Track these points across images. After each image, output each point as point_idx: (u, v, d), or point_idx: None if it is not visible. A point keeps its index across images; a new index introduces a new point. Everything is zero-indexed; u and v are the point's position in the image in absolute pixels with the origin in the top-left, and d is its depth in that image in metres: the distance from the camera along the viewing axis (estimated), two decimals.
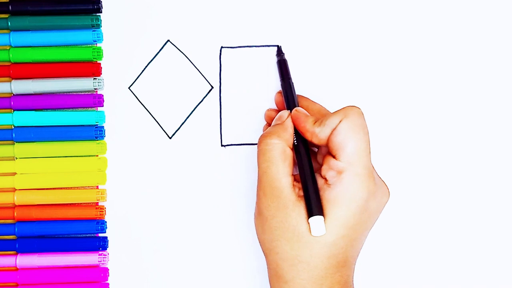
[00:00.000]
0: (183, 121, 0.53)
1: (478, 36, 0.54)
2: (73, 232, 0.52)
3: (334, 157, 0.46)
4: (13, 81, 0.51)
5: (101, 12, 0.52)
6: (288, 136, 0.48)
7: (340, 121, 0.46)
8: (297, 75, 0.53)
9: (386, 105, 0.53)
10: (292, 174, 0.47)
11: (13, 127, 0.52)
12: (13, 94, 0.51)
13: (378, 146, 0.53)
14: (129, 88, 0.53)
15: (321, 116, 0.48)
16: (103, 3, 0.52)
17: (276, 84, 0.53)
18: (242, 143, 0.53)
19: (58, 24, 0.51)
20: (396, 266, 0.53)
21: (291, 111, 0.49)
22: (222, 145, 0.53)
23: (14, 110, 0.51)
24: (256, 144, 0.53)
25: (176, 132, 0.53)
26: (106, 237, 0.52)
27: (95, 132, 0.52)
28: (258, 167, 0.47)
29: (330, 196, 0.45)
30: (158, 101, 0.53)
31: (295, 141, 0.48)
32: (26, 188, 0.51)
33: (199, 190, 0.53)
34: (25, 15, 0.51)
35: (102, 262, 0.52)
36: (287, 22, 0.53)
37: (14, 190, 0.52)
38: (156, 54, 0.53)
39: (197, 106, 0.53)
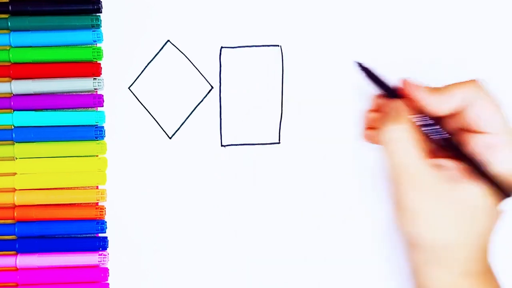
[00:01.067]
0: (183, 121, 0.53)
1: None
2: (73, 232, 0.52)
3: (475, 131, 0.45)
4: (13, 81, 0.51)
5: (101, 12, 0.52)
6: (409, 121, 0.46)
7: (473, 95, 0.45)
8: (297, 75, 0.53)
9: None
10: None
11: (13, 127, 0.52)
12: (13, 94, 0.51)
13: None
14: (129, 88, 0.53)
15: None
16: (103, 3, 0.52)
17: (276, 84, 0.53)
18: (242, 143, 0.53)
19: (58, 24, 0.51)
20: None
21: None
22: (222, 145, 0.53)
23: (14, 110, 0.51)
24: (255, 144, 0.53)
25: (176, 132, 0.53)
26: (106, 237, 0.52)
27: (95, 132, 0.52)
28: (390, 156, 0.45)
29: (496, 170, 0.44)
30: (158, 101, 0.53)
31: (422, 121, 0.46)
32: (26, 188, 0.51)
33: (199, 190, 0.53)
34: (25, 15, 0.51)
35: (102, 262, 0.52)
36: (287, 22, 0.53)
37: (14, 190, 0.52)
38: (156, 54, 0.53)
39: (197, 106, 0.53)
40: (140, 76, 0.53)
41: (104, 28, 0.52)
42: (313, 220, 0.53)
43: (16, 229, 0.51)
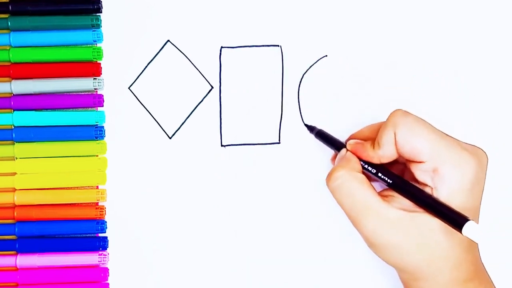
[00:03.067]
0: (183, 121, 0.53)
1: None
2: (73, 232, 0.52)
3: (414, 161, 0.45)
4: (13, 81, 0.51)
5: (101, 12, 0.52)
6: (353, 164, 0.47)
7: (394, 134, 0.45)
8: (297, 75, 0.53)
9: (387, 105, 0.53)
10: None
11: (13, 127, 0.52)
12: (13, 94, 0.51)
13: None
14: (129, 88, 0.53)
15: (375, 135, 0.47)
16: (103, 3, 0.52)
17: (276, 84, 0.53)
18: (242, 143, 0.53)
19: (58, 24, 0.51)
20: None
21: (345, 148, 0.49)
22: (222, 145, 0.53)
23: (14, 110, 0.51)
24: (255, 144, 0.53)
25: (176, 132, 0.53)
26: (106, 237, 0.52)
27: (95, 132, 0.52)
28: (342, 206, 0.46)
29: (442, 196, 0.44)
30: (158, 101, 0.53)
31: (368, 168, 0.47)
32: (26, 188, 0.51)
33: (199, 190, 0.53)
34: (25, 15, 0.51)
35: (102, 262, 0.52)
36: (287, 22, 0.53)
37: (14, 190, 0.52)
38: (156, 54, 0.53)
39: (197, 106, 0.53)
40: (140, 76, 0.53)
41: (104, 28, 0.52)
42: (313, 220, 0.53)
43: (16, 229, 0.51)
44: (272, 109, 0.53)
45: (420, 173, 0.46)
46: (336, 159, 0.49)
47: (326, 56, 0.53)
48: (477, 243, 0.47)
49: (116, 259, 0.52)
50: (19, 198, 0.51)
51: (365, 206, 0.45)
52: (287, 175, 0.53)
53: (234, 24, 0.53)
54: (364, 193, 0.46)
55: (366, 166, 0.47)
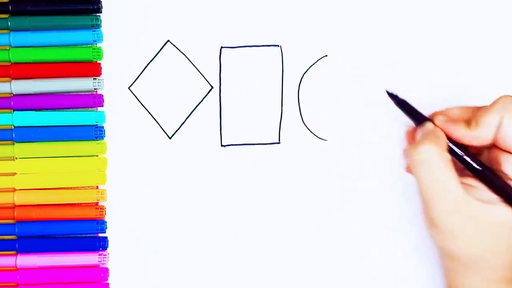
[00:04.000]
0: (183, 121, 0.53)
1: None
2: (73, 232, 0.52)
3: (509, 152, 0.44)
4: (13, 81, 0.51)
5: (101, 12, 0.52)
6: (442, 141, 0.45)
7: (502, 117, 0.44)
8: (297, 75, 0.53)
9: (387, 105, 0.53)
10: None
11: (13, 127, 0.52)
12: (13, 94, 0.51)
13: (386, 144, 0.53)
14: (129, 88, 0.53)
15: (466, 115, 0.46)
16: (103, 3, 0.52)
17: (276, 84, 0.53)
18: (242, 143, 0.53)
19: (58, 24, 0.51)
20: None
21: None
22: (222, 145, 0.53)
23: (14, 110, 0.51)
24: (255, 144, 0.53)
25: (176, 132, 0.53)
26: (106, 237, 0.52)
27: (95, 132, 0.52)
28: (419, 180, 0.44)
29: None
30: (158, 101, 0.53)
31: (455, 149, 0.45)
32: (26, 188, 0.51)
33: (199, 190, 0.53)
34: (25, 15, 0.51)
35: (102, 262, 0.52)
36: (287, 22, 0.53)
37: (14, 190, 0.52)
38: (156, 54, 0.53)
39: (197, 106, 0.53)
40: (140, 76, 0.53)
41: (104, 28, 0.52)
42: (313, 220, 0.53)
43: (16, 229, 0.51)
44: (272, 109, 0.53)
45: (510, 166, 0.44)
46: (421, 132, 0.46)
47: (326, 56, 0.53)
48: None
49: (116, 259, 0.52)
50: (19, 198, 0.51)
51: (445, 188, 0.44)
52: (287, 175, 0.53)
53: (234, 24, 0.53)
54: (448, 174, 0.44)
55: (454, 147, 0.45)
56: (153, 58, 0.53)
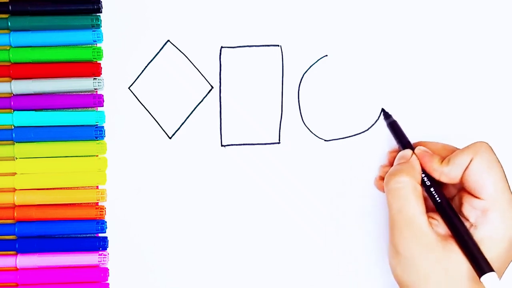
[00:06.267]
0: (183, 121, 0.53)
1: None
2: (73, 232, 0.52)
3: (472, 195, 0.46)
4: (13, 81, 0.51)
5: (101, 12, 0.52)
6: (417, 173, 0.48)
7: (471, 160, 0.46)
8: (297, 75, 0.53)
9: (387, 105, 0.53)
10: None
11: (13, 127, 0.52)
12: (13, 94, 0.51)
13: (386, 144, 0.53)
14: (129, 88, 0.53)
15: (445, 153, 0.48)
16: (103, 3, 0.52)
17: (276, 84, 0.53)
18: (242, 143, 0.53)
19: (58, 24, 0.51)
20: None
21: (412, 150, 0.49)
22: (222, 145, 0.53)
23: (14, 110, 0.51)
24: (255, 144, 0.53)
25: (176, 132, 0.53)
26: (106, 237, 0.52)
27: (95, 132, 0.52)
28: (390, 207, 0.47)
29: (477, 237, 0.46)
30: (158, 101, 0.53)
31: (425, 180, 0.48)
32: (26, 188, 0.51)
33: (199, 190, 0.53)
34: (25, 15, 0.51)
35: (102, 262, 0.52)
36: (287, 22, 0.53)
37: (14, 190, 0.52)
38: (156, 54, 0.53)
39: (197, 106, 0.53)
40: (140, 76, 0.53)
41: (104, 28, 0.52)
42: (313, 220, 0.53)
43: (16, 229, 0.51)
44: (272, 109, 0.53)
45: (469, 207, 0.46)
46: (399, 157, 0.49)
47: (326, 56, 0.53)
48: None
49: (116, 259, 0.52)
50: (19, 198, 0.51)
51: (411, 219, 0.46)
52: (287, 175, 0.53)
53: (234, 24, 0.53)
54: (416, 207, 0.46)
55: (424, 178, 0.48)
56: (153, 58, 0.53)
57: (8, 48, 0.51)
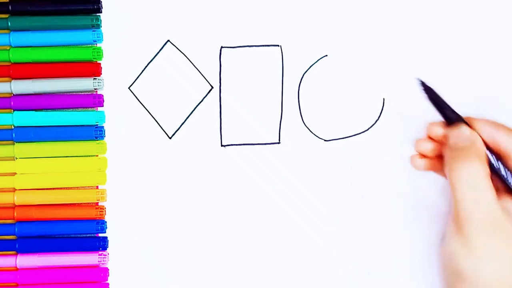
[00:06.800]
0: (183, 121, 0.53)
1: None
2: (73, 232, 0.52)
3: None
4: (13, 81, 0.51)
5: (101, 12, 0.52)
6: (483, 154, 0.43)
7: None
8: (297, 75, 0.53)
9: (387, 105, 0.53)
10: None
11: (13, 127, 0.52)
12: (13, 94, 0.51)
13: (386, 144, 0.53)
14: (129, 88, 0.53)
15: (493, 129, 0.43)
16: (103, 3, 0.52)
17: (276, 84, 0.53)
18: (242, 143, 0.53)
19: (58, 24, 0.51)
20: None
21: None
22: (222, 145, 0.53)
23: (14, 110, 0.51)
24: (255, 144, 0.53)
25: (176, 132, 0.53)
26: (106, 237, 0.52)
27: (95, 132, 0.52)
28: (462, 197, 0.42)
29: None
30: (158, 101, 0.53)
31: (492, 160, 0.43)
32: (26, 188, 0.51)
33: (199, 190, 0.53)
34: (25, 15, 0.51)
35: (102, 262, 0.52)
36: (287, 22, 0.53)
37: (14, 190, 0.52)
38: (156, 54, 0.53)
39: (197, 106, 0.53)
40: (140, 76, 0.53)
41: (104, 28, 0.52)
42: (313, 220, 0.53)
43: (16, 229, 0.51)
44: (272, 109, 0.53)
45: None
46: (457, 136, 0.44)
47: (326, 56, 0.53)
48: None
49: (116, 259, 0.52)
50: (19, 198, 0.51)
51: (492, 211, 0.42)
52: (287, 175, 0.53)
53: (234, 24, 0.53)
54: (494, 197, 0.42)
55: (493, 159, 0.43)
56: (153, 58, 0.53)
57: (8, 48, 0.51)
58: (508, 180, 0.43)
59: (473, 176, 0.42)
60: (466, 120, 0.45)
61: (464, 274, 0.43)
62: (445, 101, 0.45)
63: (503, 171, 0.43)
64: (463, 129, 0.44)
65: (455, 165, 0.42)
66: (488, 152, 0.43)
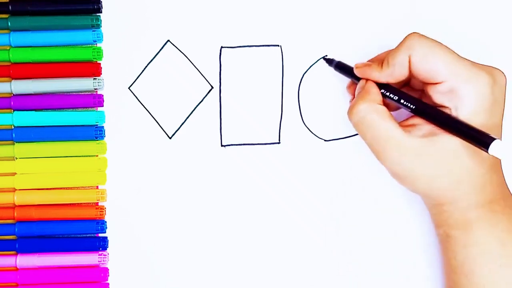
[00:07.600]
0: (183, 121, 0.53)
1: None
2: (73, 232, 0.52)
3: (433, 83, 0.46)
4: (13, 81, 0.51)
5: (101, 12, 0.52)
6: (373, 95, 0.47)
7: (409, 57, 0.46)
8: (297, 75, 0.53)
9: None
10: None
11: (13, 127, 0.52)
12: (13, 94, 0.51)
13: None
14: (129, 88, 0.53)
15: (383, 56, 0.48)
16: (103, 3, 0.52)
17: (276, 84, 0.53)
18: (242, 143, 0.53)
19: (58, 24, 0.51)
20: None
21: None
22: (222, 145, 0.53)
23: (14, 110, 0.51)
24: (255, 144, 0.53)
25: (176, 132, 0.53)
26: (106, 237, 0.52)
27: (95, 132, 0.52)
28: (365, 139, 0.47)
29: (462, 114, 0.45)
30: (158, 101, 0.53)
31: (388, 94, 0.47)
32: (26, 188, 0.51)
33: (199, 190, 0.53)
34: (25, 15, 0.51)
35: (102, 262, 0.52)
36: (287, 22, 0.53)
37: (14, 190, 0.52)
38: (156, 54, 0.53)
39: (197, 106, 0.53)
40: (140, 76, 0.53)
41: (104, 28, 0.52)
42: (313, 220, 0.53)
43: (16, 229, 0.51)
44: (272, 109, 0.53)
45: (438, 95, 0.46)
46: (356, 90, 0.49)
47: (326, 56, 0.53)
48: (500, 164, 0.47)
49: (116, 259, 0.52)
50: (19, 198, 0.51)
51: (387, 137, 0.46)
52: (287, 175, 0.53)
53: (234, 24, 0.53)
54: (386, 125, 0.46)
55: (387, 93, 0.47)
56: (153, 58, 0.53)
57: (8, 48, 0.51)
58: (402, 103, 0.47)
59: (362, 116, 0.46)
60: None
61: (419, 194, 0.49)
62: (349, 66, 0.50)
63: (394, 97, 0.47)
64: (360, 82, 0.48)
65: (348, 114, 0.47)
66: (382, 90, 0.48)
